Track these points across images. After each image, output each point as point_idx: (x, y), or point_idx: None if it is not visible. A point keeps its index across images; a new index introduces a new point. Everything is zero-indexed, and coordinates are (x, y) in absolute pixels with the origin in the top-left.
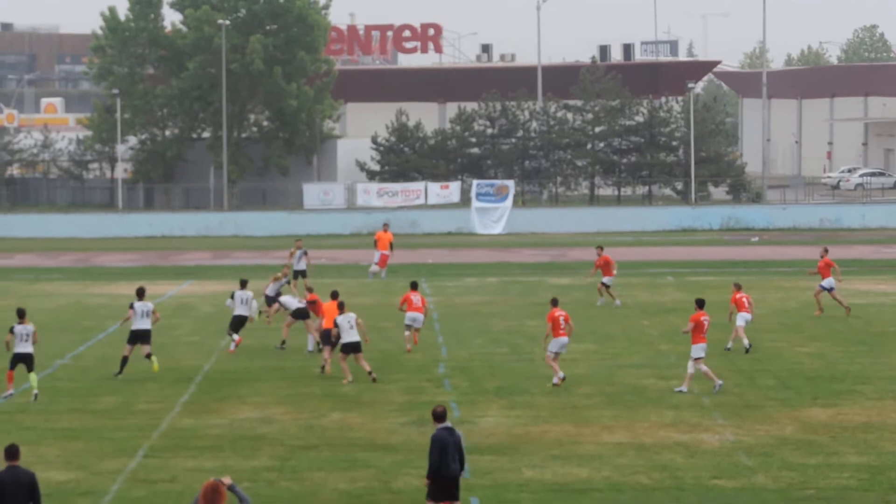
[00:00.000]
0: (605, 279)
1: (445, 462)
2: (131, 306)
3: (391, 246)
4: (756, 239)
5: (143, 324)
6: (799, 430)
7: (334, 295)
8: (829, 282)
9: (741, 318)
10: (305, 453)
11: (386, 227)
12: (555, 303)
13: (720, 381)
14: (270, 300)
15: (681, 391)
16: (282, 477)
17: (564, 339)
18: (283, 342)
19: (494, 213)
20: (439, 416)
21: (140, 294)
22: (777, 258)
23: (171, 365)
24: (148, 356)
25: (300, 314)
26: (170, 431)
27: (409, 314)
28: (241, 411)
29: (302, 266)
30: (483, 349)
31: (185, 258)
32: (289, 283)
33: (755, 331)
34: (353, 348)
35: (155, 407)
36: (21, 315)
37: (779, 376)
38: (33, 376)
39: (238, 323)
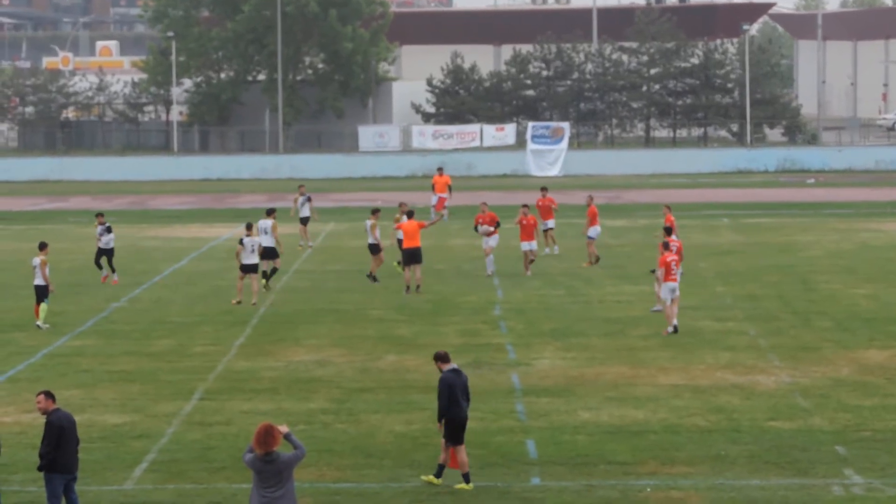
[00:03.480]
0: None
1: (455, 404)
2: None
3: (449, 188)
4: (812, 181)
5: (104, 244)
6: (855, 372)
7: (410, 214)
8: (595, 230)
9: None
10: (361, 395)
11: (440, 170)
12: (666, 246)
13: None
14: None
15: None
16: (338, 419)
17: (673, 284)
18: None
19: (550, 156)
20: (443, 357)
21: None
22: (833, 200)
23: (226, 307)
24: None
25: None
26: (225, 374)
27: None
28: (296, 354)
29: (306, 213)
30: (539, 291)
31: (240, 201)
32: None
33: (811, 272)
34: (251, 269)
35: (210, 350)
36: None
37: (835, 318)
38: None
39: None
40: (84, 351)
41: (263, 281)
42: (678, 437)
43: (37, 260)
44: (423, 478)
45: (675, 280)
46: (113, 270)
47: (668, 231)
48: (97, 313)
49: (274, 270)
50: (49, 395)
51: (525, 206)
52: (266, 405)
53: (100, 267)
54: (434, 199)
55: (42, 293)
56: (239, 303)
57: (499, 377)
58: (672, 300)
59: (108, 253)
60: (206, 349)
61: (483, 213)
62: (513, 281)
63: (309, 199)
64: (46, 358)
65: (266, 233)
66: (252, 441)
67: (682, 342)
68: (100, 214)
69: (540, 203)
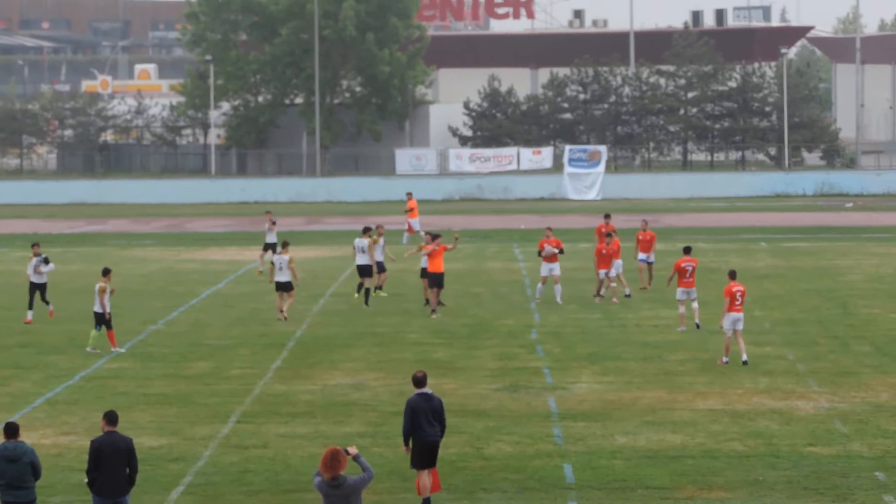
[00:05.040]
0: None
1: (419, 428)
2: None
3: (413, 211)
4: (850, 205)
5: (38, 278)
6: (894, 397)
7: (435, 236)
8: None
9: (614, 266)
10: (398, 419)
11: (409, 194)
12: (733, 275)
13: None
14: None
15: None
16: (374, 443)
17: (737, 314)
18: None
19: (587, 179)
20: (417, 381)
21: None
22: (871, 224)
23: (262, 330)
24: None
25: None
26: (262, 397)
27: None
28: (332, 377)
29: (272, 238)
30: (576, 315)
31: (278, 224)
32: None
33: (850, 297)
34: (282, 287)
35: (247, 372)
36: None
37: (874, 343)
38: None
39: (31, 291)
40: (121, 373)
41: (356, 296)
42: (716, 462)
43: (97, 286)
44: None
45: (739, 311)
46: (47, 302)
47: (687, 250)
48: (134, 336)
49: (360, 286)
50: (105, 417)
51: (608, 234)
52: (303, 428)
53: (31, 307)
54: (416, 224)
55: (99, 320)
56: (280, 319)
57: (535, 401)
58: (735, 332)
59: (41, 287)
60: (242, 372)
61: (547, 238)
62: (549, 305)
63: (273, 223)
64: (84, 380)
65: (363, 251)
66: (319, 465)
67: (720, 367)
68: (35, 244)
69: (602, 229)
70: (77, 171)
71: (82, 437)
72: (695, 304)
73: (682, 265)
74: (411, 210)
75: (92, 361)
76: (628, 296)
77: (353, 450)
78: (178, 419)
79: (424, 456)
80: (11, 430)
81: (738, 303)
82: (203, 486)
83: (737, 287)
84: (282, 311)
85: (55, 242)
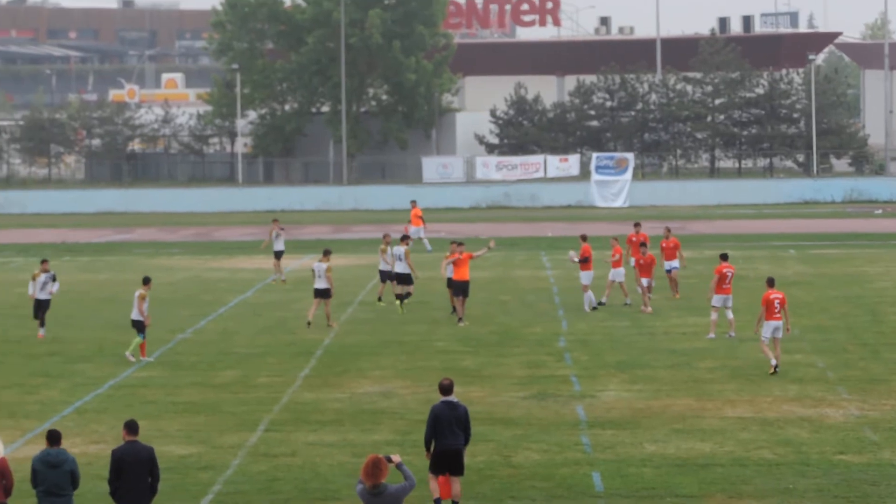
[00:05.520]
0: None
1: (441, 435)
2: (34, 277)
3: (418, 219)
4: (879, 211)
5: (44, 294)
6: None
7: (459, 244)
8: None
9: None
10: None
11: (413, 202)
12: (771, 283)
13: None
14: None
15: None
16: (402, 451)
17: (777, 322)
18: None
19: (614, 186)
20: (444, 388)
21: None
22: None
23: (290, 339)
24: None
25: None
26: (290, 405)
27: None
28: (360, 385)
29: (280, 246)
30: (604, 322)
31: (304, 232)
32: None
33: (880, 304)
34: (320, 294)
35: (275, 381)
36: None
37: None
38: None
39: (37, 308)
40: (150, 382)
41: (398, 303)
42: (746, 471)
43: (137, 293)
44: None
45: (778, 319)
46: (42, 324)
47: (724, 257)
48: (162, 345)
49: (408, 295)
50: (126, 426)
51: (642, 244)
52: (331, 437)
53: (42, 324)
54: (420, 232)
55: (137, 327)
56: (309, 324)
57: (564, 409)
58: (774, 340)
59: (46, 305)
60: (270, 380)
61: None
62: (577, 313)
63: (282, 230)
64: (112, 389)
65: (400, 259)
66: (361, 472)
67: (749, 374)
68: (45, 260)
69: (633, 239)
70: (105, 180)
71: (111, 446)
72: (730, 315)
73: (724, 270)
74: (418, 218)
75: (121, 370)
76: (628, 304)
77: (396, 458)
78: (207, 427)
79: (442, 462)
80: (54, 437)
81: (776, 311)
82: (232, 494)
83: (774, 294)
84: (309, 317)
85: (83, 251)
